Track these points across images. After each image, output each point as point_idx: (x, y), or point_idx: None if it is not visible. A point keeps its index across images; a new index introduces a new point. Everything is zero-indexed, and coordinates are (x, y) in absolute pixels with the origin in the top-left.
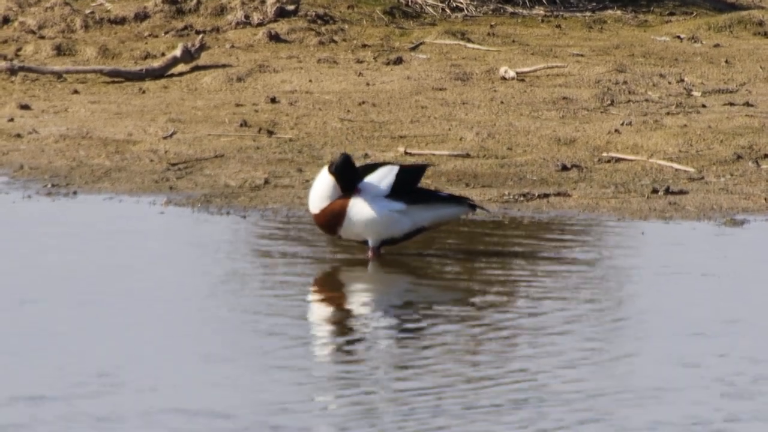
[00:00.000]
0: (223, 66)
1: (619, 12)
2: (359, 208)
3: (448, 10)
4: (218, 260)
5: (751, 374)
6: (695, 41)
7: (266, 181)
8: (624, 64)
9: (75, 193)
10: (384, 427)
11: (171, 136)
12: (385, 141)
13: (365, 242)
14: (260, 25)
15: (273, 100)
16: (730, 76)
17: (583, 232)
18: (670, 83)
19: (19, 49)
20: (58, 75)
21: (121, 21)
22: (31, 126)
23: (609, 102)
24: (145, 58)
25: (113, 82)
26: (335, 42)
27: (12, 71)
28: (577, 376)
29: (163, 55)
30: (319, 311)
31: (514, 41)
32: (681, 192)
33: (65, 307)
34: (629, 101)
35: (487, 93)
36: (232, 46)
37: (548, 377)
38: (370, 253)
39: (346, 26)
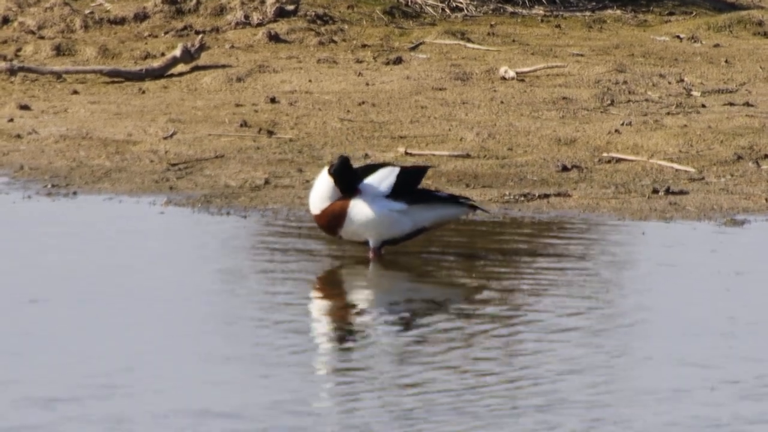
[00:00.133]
0: (223, 66)
1: (618, 12)
2: (360, 209)
3: (447, 10)
4: (219, 260)
5: (755, 374)
6: (695, 41)
7: (266, 182)
8: (624, 64)
9: (75, 193)
10: (388, 427)
11: (171, 136)
12: (385, 141)
13: (366, 243)
14: (260, 25)
15: (273, 101)
16: (730, 76)
17: (584, 233)
18: (670, 83)
19: (18, 50)
20: (58, 75)
21: (121, 21)
22: (31, 126)
23: (609, 102)
24: (145, 58)
25: (113, 82)
26: (335, 42)
27: (12, 71)
28: (582, 377)
29: (162, 55)
30: (321, 311)
31: (514, 41)
32: (681, 192)
33: (66, 307)
34: (629, 101)
35: (487, 93)
36: (232, 47)
37: (553, 378)
38: (371, 254)
39: (346, 26)
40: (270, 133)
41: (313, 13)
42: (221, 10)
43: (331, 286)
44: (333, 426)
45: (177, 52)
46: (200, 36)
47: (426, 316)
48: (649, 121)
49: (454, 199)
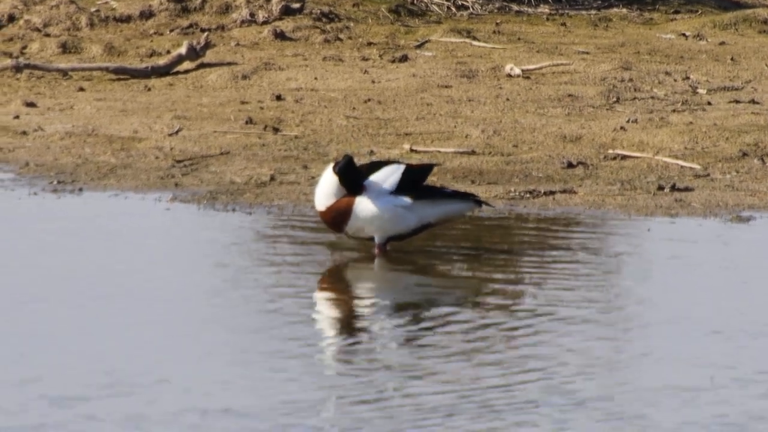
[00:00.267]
0: (229, 64)
1: (624, 10)
2: (365, 206)
3: (453, 8)
4: (224, 257)
5: (760, 370)
6: (701, 39)
7: (272, 178)
8: (629, 61)
9: (81, 189)
10: (396, 427)
11: (176, 133)
12: (391, 138)
13: (372, 239)
14: (265, 23)
15: (278, 98)
16: (736, 74)
17: (589, 229)
18: (675, 81)
19: (24, 47)
20: (64, 72)
21: (127, 19)
22: (37, 123)
23: (615, 99)
24: (151, 55)
25: (119, 79)
26: (341, 40)
27: (17, 69)
28: (591, 375)
29: (168, 52)
30: (327, 308)
31: (519, 39)
32: (687, 189)
33: (72, 305)
34: (635, 99)
35: (492, 90)
36: (238, 44)
37: (562, 376)
38: (376, 250)
39: (352, 24)
40: (275, 130)
41: (319, 11)
42: (227, 8)
43: (338, 282)
44: (342, 428)
45: (183, 50)
46: (206, 34)
47: (433, 311)
48: (654, 119)
49: (459, 195)
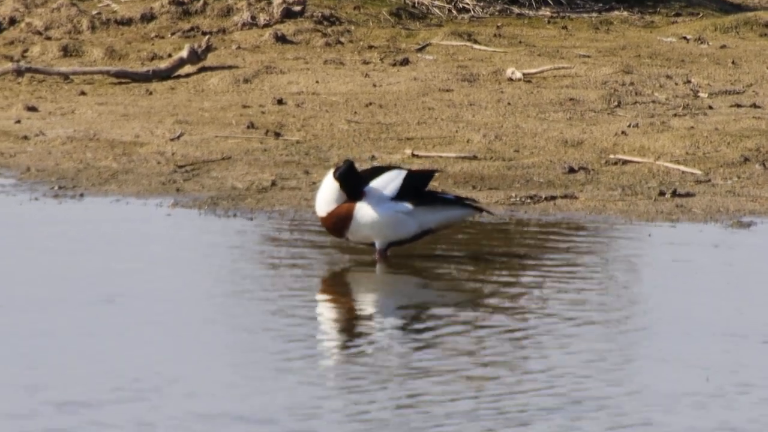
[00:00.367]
0: (230, 67)
1: (625, 13)
2: (366, 211)
3: (454, 11)
4: (226, 263)
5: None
6: (702, 42)
7: (273, 183)
8: (630, 65)
9: (82, 195)
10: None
11: (178, 137)
12: (392, 143)
13: (372, 244)
14: (267, 26)
15: (280, 102)
16: (737, 78)
17: (591, 235)
18: (676, 84)
19: (25, 50)
20: (65, 76)
21: (128, 22)
22: (38, 128)
23: (616, 103)
24: (152, 59)
25: (120, 83)
26: (342, 43)
27: (19, 72)
28: (596, 379)
29: (169, 56)
30: (328, 314)
31: (520, 42)
32: (688, 194)
33: (73, 309)
34: (636, 102)
35: (493, 94)
36: (239, 47)
37: (565, 382)
38: (377, 255)
39: (353, 27)
40: (277, 134)
41: (320, 14)
42: (228, 11)
43: (339, 288)
44: (349, 429)
45: (184, 53)
46: (207, 37)
47: (434, 316)
48: (655, 123)
49: (459, 201)
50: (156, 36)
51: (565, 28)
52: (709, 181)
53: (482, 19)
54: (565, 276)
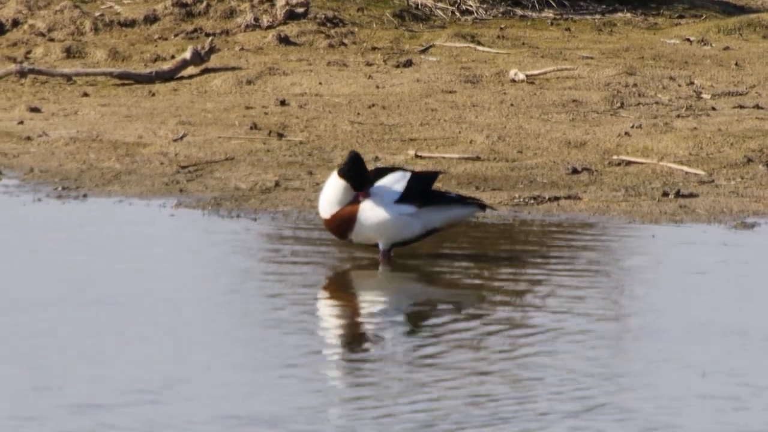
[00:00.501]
0: (233, 69)
1: (628, 15)
2: (370, 213)
3: (457, 13)
4: (229, 263)
5: None
6: (705, 44)
7: (276, 184)
8: (634, 66)
9: (85, 196)
10: None
11: (181, 138)
12: (396, 144)
13: (376, 245)
14: (270, 27)
15: (283, 103)
16: (740, 79)
17: (594, 236)
18: (680, 86)
19: (28, 52)
20: (68, 77)
21: (131, 24)
22: (41, 129)
23: (619, 105)
24: (155, 60)
25: (123, 84)
26: (345, 45)
27: (22, 74)
28: (601, 383)
29: (172, 57)
30: (332, 314)
31: (523, 44)
32: (691, 195)
33: (76, 309)
34: (639, 104)
35: (497, 96)
36: (242, 49)
37: (572, 383)
38: (380, 257)
39: (356, 29)
40: (280, 135)
41: (323, 16)
42: (231, 13)
43: (342, 289)
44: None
45: (187, 55)
46: (210, 38)
47: (438, 318)
48: (659, 124)
49: (463, 200)
50: (159, 37)
51: (568, 29)
52: (713, 181)
53: (485, 20)
54: (568, 277)
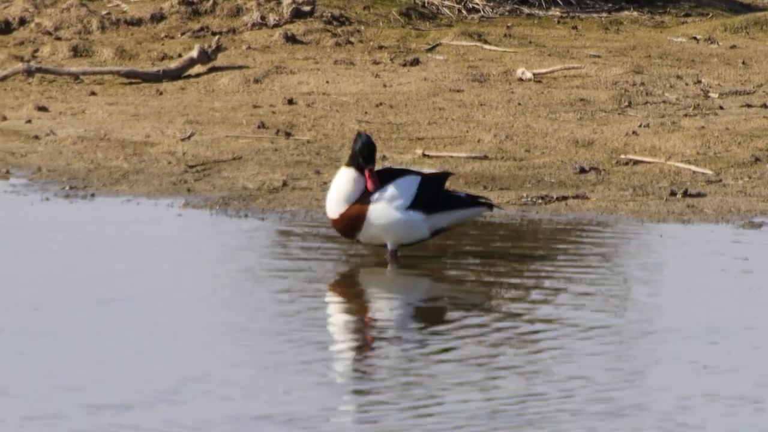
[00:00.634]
0: (240, 67)
1: (635, 13)
2: (379, 214)
3: (464, 12)
4: (237, 263)
5: None
6: (712, 42)
7: (284, 183)
8: (641, 65)
9: (93, 195)
10: None
11: (189, 137)
12: (403, 143)
13: (384, 245)
14: (276, 26)
15: (290, 102)
16: (747, 78)
17: (602, 235)
18: (687, 85)
19: (35, 51)
20: (75, 76)
21: (138, 22)
22: (49, 128)
23: (626, 103)
24: (162, 59)
25: (130, 83)
26: (351, 43)
27: (29, 73)
28: (612, 382)
29: (179, 56)
30: (341, 314)
31: (530, 42)
32: (699, 194)
33: (82, 310)
34: (646, 103)
35: (504, 94)
36: (249, 48)
37: (582, 384)
38: (388, 257)
39: (363, 27)
40: (287, 134)
41: (330, 14)
42: (238, 11)
43: (351, 288)
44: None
45: (194, 53)
46: (217, 37)
47: (448, 317)
48: (666, 123)
49: (471, 200)
50: (166, 36)
51: (575, 28)
52: (720, 181)
53: (492, 19)
54: (577, 276)
